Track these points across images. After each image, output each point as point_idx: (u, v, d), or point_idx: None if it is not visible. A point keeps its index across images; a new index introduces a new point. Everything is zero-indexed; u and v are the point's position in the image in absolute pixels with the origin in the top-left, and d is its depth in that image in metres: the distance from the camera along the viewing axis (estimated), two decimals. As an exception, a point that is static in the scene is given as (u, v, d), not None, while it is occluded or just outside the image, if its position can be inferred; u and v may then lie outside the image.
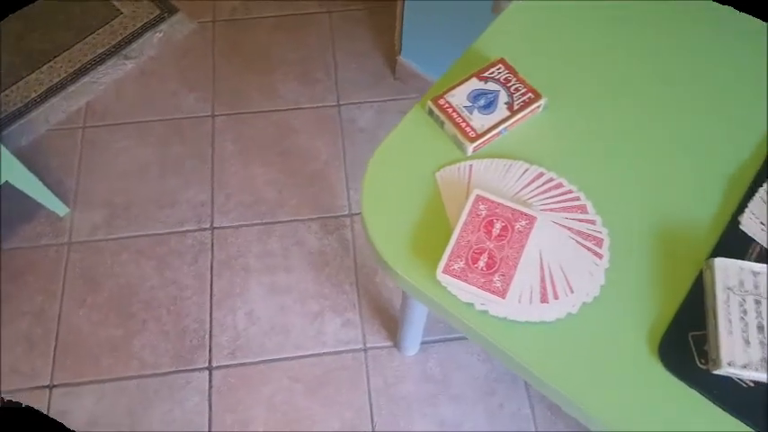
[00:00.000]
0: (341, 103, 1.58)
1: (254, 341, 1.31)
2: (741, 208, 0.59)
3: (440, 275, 0.56)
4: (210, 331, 1.32)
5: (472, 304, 0.56)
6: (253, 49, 1.66)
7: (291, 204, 1.45)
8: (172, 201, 1.45)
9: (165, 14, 1.67)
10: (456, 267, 0.56)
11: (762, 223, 0.59)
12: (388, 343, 1.31)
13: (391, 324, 1.33)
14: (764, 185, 0.60)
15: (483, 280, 0.56)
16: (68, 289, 1.36)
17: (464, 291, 0.56)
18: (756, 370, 0.51)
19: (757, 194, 0.60)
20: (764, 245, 0.58)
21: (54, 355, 1.30)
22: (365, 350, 1.30)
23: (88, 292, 1.36)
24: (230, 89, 1.60)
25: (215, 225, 1.42)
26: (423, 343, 1.31)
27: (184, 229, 1.42)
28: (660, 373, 0.54)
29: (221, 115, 1.56)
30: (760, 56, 0.70)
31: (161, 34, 1.65)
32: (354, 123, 1.56)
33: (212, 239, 1.41)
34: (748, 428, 0.52)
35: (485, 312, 0.56)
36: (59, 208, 1.42)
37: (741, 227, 0.59)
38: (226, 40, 1.67)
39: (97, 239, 1.41)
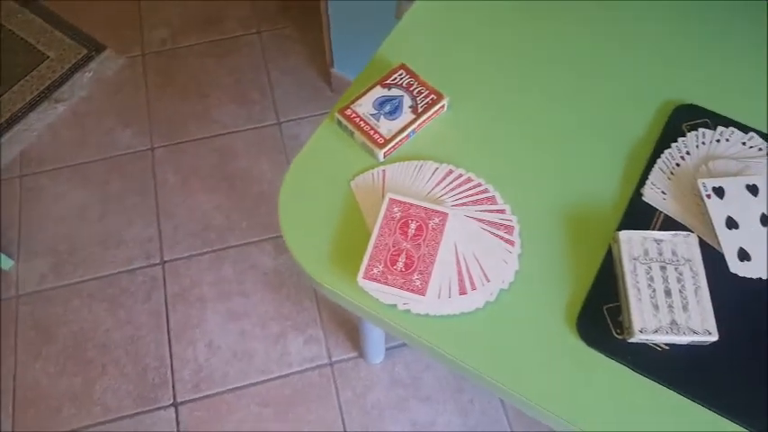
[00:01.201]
0: (281, 120, 1.59)
1: (217, 371, 1.29)
2: (642, 180, 0.62)
3: (360, 281, 0.57)
4: (171, 367, 1.30)
5: (395, 305, 0.57)
6: (185, 77, 1.65)
7: (242, 228, 1.45)
8: (118, 240, 1.42)
9: (93, 53, 1.65)
10: (376, 271, 0.57)
11: (663, 192, 0.61)
12: (354, 354, 1.32)
13: (355, 335, 1.34)
14: (662, 156, 0.63)
15: (403, 280, 0.57)
16: (21, 343, 1.32)
17: (386, 293, 0.57)
18: (667, 333, 0.54)
19: (656, 166, 0.63)
20: (667, 213, 0.61)
21: (13, 412, 1.26)
22: (331, 364, 1.30)
23: (42, 343, 1.33)
24: (167, 120, 1.59)
25: (165, 259, 1.40)
26: (388, 349, 1.32)
27: (134, 266, 1.39)
28: (580, 348, 0.56)
29: (160, 147, 1.54)
30: (651, 35, 0.73)
31: (90, 73, 1.63)
32: (297, 139, 1.57)
33: (164, 274, 1.39)
34: (669, 390, 0.54)
35: (407, 311, 0.57)
36: (3, 261, 1.38)
37: (644, 198, 0.61)
38: (157, 71, 1.66)
39: (46, 288, 1.38)
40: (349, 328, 1.34)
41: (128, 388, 1.28)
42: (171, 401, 1.27)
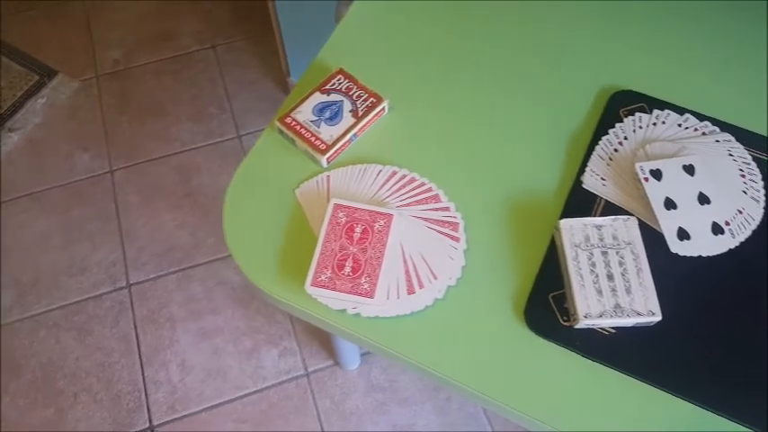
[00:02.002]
0: (241, 133, 1.58)
1: (192, 391, 1.27)
2: (583, 168, 0.63)
3: (309, 288, 0.57)
4: (145, 390, 1.28)
5: (344, 310, 0.57)
6: (141, 97, 1.64)
7: (208, 244, 1.43)
8: (82, 266, 1.40)
9: (45, 79, 1.63)
10: (323, 278, 0.57)
11: (602, 179, 0.62)
12: (330, 362, 1.31)
13: (329, 343, 1.33)
14: (600, 143, 0.64)
15: (351, 284, 0.57)
16: (-12, 379, 1.29)
17: (335, 299, 0.57)
18: (611, 317, 0.54)
19: (595, 152, 0.64)
20: (607, 198, 0.62)
21: (-18, 452, 1.23)
22: (307, 375, 1.29)
23: (10, 377, 1.29)
24: (125, 141, 1.57)
25: (131, 282, 1.38)
26: (363, 354, 1.31)
27: (100, 292, 1.37)
28: (529, 337, 0.56)
29: (119, 169, 1.52)
30: (587, 23, 0.74)
31: (44, 99, 1.60)
32: (259, 152, 1.56)
33: (131, 297, 1.37)
34: (618, 372, 0.55)
35: (357, 315, 0.57)
36: (-37, 297, 1.35)
37: (584, 186, 0.62)
38: (112, 93, 1.64)
39: (11, 322, 1.35)
40: (323, 336, 1.33)
41: (102, 415, 1.25)
42: (147, 425, 1.24)
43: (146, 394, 1.28)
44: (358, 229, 0.59)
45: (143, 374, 1.29)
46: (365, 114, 0.65)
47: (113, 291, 1.38)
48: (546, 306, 0.57)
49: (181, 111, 1.60)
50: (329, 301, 0.57)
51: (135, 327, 1.34)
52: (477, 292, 0.59)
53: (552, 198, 0.63)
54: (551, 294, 0.58)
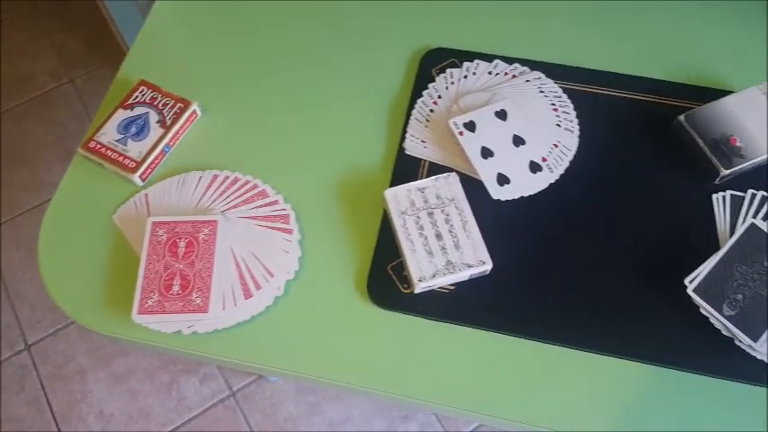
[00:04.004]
0: (121, 164, 1.50)
1: (115, 439, 1.22)
2: (403, 136, 0.63)
3: (136, 318, 0.53)
4: (65, 451, 1.21)
5: (179, 331, 0.54)
6: (5, 147, 1.53)
7: (107, 285, 1.36)
8: (-30, 338, 1.30)
9: None
10: (151, 303, 0.54)
11: (423, 141, 0.62)
12: (254, 376, 1.28)
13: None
14: (416, 106, 0.64)
15: (182, 303, 0.54)
16: None
17: (167, 322, 0.54)
18: (445, 275, 0.54)
19: (412, 116, 0.63)
20: (431, 160, 0.61)
21: None
22: (233, 394, 1.26)
23: None
24: (-5, 197, 1.47)
25: (29, 342, 1.30)
26: (288, 360, 1.29)
27: (-5, 361, 1.28)
28: (376, 313, 0.55)
29: (-7, 228, 1.42)
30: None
31: None
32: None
33: (32, 358, 1.28)
34: (466, 327, 0.55)
35: (194, 333, 0.55)
36: None
37: (407, 152, 0.62)
38: (-29, 148, 1.52)
39: None
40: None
41: (23, 489, 1.18)
42: (74, 487, 1.18)
43: (67, 455, 1.21)
44: (182, 244, 0.57)
45: (60, 435, 1.22)
46: (174, 122, 0.62)
47: (12, 356, 1.29)
48: (386, 278, 0.57)
49: (49, 154, 1.51)
50: (161, 326, 0.54)
51: (42, 387, 1.26)
52: (318, 279, 0.57)
53: (380, 169, 0.62)
54: (390, 265, 0.57)
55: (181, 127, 0.63)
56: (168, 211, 0.60)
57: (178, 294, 0.55)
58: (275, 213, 0.60)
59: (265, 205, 0.60)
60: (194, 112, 0.64)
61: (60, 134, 1.53)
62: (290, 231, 0.59)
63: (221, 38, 0.70)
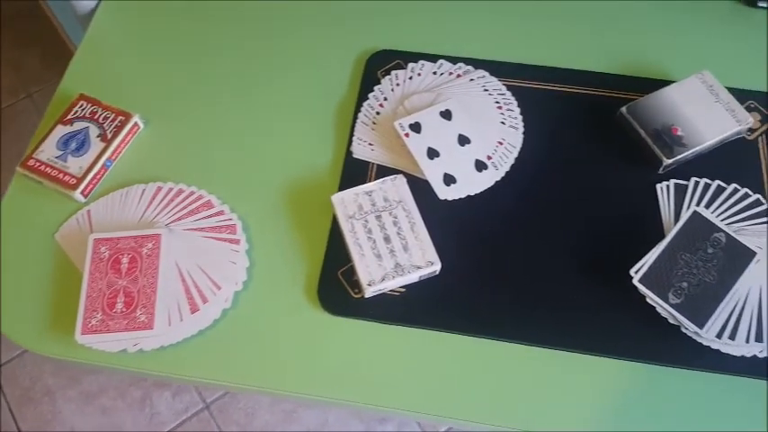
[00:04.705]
0: (84, 179, 1.47)
1: (88, 459, 1.19)
2: (350, 139, 0.62)
3: (80, 338, 0.52)
4: (37, 475, 1.18)
5: (125, 350, 0.53)
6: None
7: (74, 303, 1.33)
8: (-68, 365, 1.27)
9: None
10: (94, 322, 0.53)
11: (370, 144, 0.62)
12: (229, 386, 1.26)
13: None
14: (362, 109, 0.63)
15: (126, 321, 0.53)
16: None
17: (112, 341, 0.53)
18: (394, 277, 0.54)
19: (358, 120, 0.63)
20: (378, 163, 0.61)
21: None
22: (207, 407, 1.24)
23: None
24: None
25: (-6, 365, 1.27)
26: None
27: (-41, 387, 1.25)
28: (329, 320, 0.55)
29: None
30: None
31: None
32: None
33: (-2, 381, 1.25)
34: (418, 329, 0.55)
35: (140, 351, 0.53)
36: None
37: (354, 155, 0.61)
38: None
39: None
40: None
41: None
42: None
43: (39, 478, 1.18)
44: (125, 260, 0.55)
45: (31, 459, 1.19)
46: (115, 135, 0.61)
47: (-23, 381, 1.26)
48: (337, 284, 0.56)
49: (12, 169, 1.47)
50: (106, 345, 0.53)
51: (11, 411, 1.23)
52: (267, 289, 0.56)
53: (328, 174, 0.61)
54: (340, 271, 0.56)
55: (122, 140, 0.61)
56: (112, 227, 0.58)
57: (122, 312, 0.53)
58: (221, 224, 0.59)
59: (211, 216, 0.59)
60: (136, 124, 0.62)
61: (20, 150, 1.49)
62: (236, 241, 0.58)
63: (163, 48, 0.69)
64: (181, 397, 1.25)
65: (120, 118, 0.62)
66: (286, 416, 1.23)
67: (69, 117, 0.62)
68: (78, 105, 0.62)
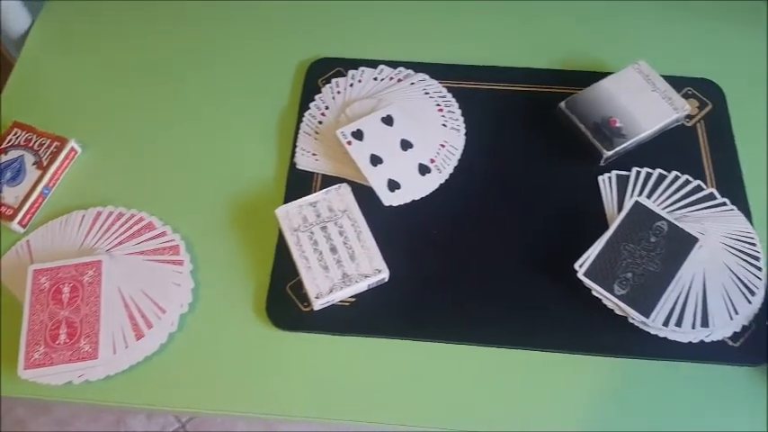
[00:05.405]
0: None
1: (64, 489, 1.17)
2: (294, 150, 0.61)
3: (23, 374, 0.51)
4: None
5: (70, 382, 0.52)
6: None
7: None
8: None
9: None
10: (37, 356, 0.51)
11: (314, 154, 0.61)
12: (206, 403, 1.25)
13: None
14: (304, 119, 0.63)
15: (70, 352, 0.52)
16: None
17: (56, 373, 0.52)
18: (342, 288, 0.53)
19: (300, 130, 0.62)
20: (323, 173, 0.60)
21: None
22: (183, 426, 1.22)
23: None
24: None
25: (-39, 400, 1.23)
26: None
27: (-75, 425, 1.21)
28: (279, 335, 0.54)
29: None
30: (268, 8, 0.73)
31: None
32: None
33: (-35, 416, 1.22)
34: (370, 338, 0.54)
35: (86, 382, 0.52)
36: None
37: (298, 166, 0.61)
38: None
39: None
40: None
41: None
42: None
43: None
44: (66, 290, 0.54)
45: (5, 493, 1.16)
46: (51, 162, 0.59)
47: (-56, 417, 1.22)
48: (286, 298, 0.55)
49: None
50: (50, 378, 0.52)
51: (-19, 446, 1.20)
52: (215, 309, 0.56)
53: (273, 188, 0.61)
54: (289, 285, 0.56)
55: (59, 166, 0.60)
56: (53, 256, 0.57)
57: (66, 343, 0.52)
58: (164, 245, 0.58)
59: (153, 238, 0.58)
60: (72, 149, 0.61)
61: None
62: (180, 262, 0.57)
63: (96, 70, 0.68)
64: (156, 418, 1.23)
65: (55, 144, 0.60)
66: (264, 427, 1.22)
67: (3, 146, 0.60)
68: (12, 134, 0.61)
